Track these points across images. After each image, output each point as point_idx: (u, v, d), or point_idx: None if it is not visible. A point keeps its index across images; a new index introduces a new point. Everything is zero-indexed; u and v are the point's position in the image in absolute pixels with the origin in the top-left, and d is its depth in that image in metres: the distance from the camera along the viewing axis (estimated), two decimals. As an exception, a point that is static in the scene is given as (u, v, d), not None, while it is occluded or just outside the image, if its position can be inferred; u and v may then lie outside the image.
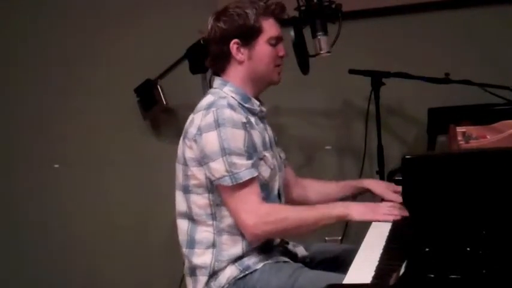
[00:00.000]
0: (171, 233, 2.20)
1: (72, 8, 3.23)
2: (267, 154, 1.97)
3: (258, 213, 1.84)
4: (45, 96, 3.30)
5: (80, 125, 3.28)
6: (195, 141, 1.88)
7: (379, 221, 1.86)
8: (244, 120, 1.88)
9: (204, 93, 2.51)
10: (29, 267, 3.37)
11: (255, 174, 1.86)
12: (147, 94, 3.05)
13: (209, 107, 1.89)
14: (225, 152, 1.82)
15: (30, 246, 3.38)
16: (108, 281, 3.30)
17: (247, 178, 1.83)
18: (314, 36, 2.30)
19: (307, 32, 2.30)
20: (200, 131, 1.87)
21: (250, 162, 1.85)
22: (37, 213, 3.35)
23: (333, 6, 2.33)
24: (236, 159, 1.83)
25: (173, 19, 3.07)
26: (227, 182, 1.82)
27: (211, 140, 1.84)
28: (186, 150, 1.92)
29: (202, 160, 1.87)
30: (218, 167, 1.83)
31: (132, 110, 3.11)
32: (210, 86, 2.49)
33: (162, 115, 3.15)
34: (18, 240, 3.40)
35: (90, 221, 3.29)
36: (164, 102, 3.01)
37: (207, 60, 2.06)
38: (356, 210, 1.87)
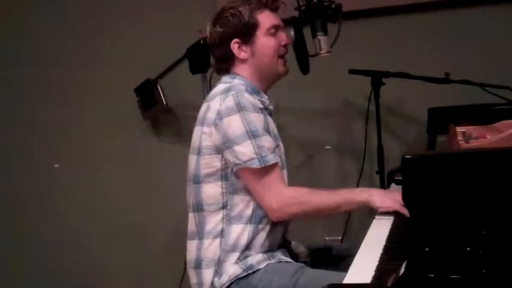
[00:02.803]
0: (171, 232, 2.21)
1: (72, 8, 3.23)
2: (279, 144, 2.00)
3: (282, 196, 1.87)
4: (45, 96, 3.30)
5: (80, 125, 3.28)
6: (216, 125, 1.88)
7: (399, 211, 1.84)
8: (261, 105, 1.91)
9: (204, 93, 2.52)
10: (29, 267, 3.37)
11: (278, 159, 1.89)
12: (147, 94, 3.05)
13: (227, 91, 1.90)
14: (252, 134, 1.84)
15: (30, 246, 3.38)
16: (109, 281, 3.30)
17: (273, 162, 1.86)
18: (314, 36, 2.30)
19: (307, 32, 2.30)
20: (220, 115, 1.87)
21: (274, 146, 1.89)
22: (37, 213, 3.35)
23: (333, 6, 2.33)
24: (263, 142, 1.85)
25: (173, 19, 3.07)
26: (256, 164, 1.84)
27: (234, 124, 1.85)
28: (204, 137, 1.92)
29: (224, 144, 1.87)
30: (245, 149, 1.84)
31: (132, 110, 3.11)
32: (210, 86, 2.50)
33: (162, 115, 3.15)
34: (18, 240, 3.40)
35: (90, 221, 3.29)
36: (164, 102, 3.01)
37: (213, 65, 2.09)
38: (378, 198, 1.89)
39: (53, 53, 3.27)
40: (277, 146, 1.96)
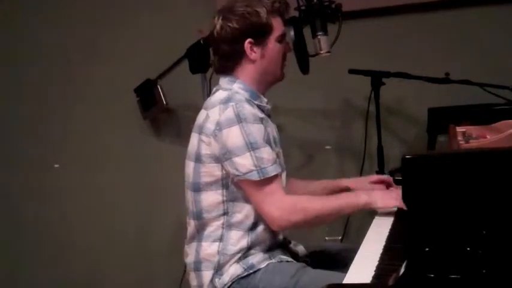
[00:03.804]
0: (171, 233, 2.21)
1: (72, 8, 3.23)
2: (279, 150, 1.99)
3: (283, 205, 1.85)
4: (45, 96, 3.30)
5: (80, 125, 3.29)
6: (215, 136, 1.87)
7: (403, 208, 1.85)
8: (261, 115, 1.90)
9: (204, 93, 2.52)
10: (29, 267, 3.37)
11: (279, 170, 1.88)
12: (147, 94, 3.05)
13: (226, 101, 1.88)
14: (251, 146, 1.83)
15: (30, 246, 3.38)
16: (109, 281, 3.30)
17: (273, 173, 1.84)
18: (314, 36, 2.30)
19: (307, 32, 2.29)
20: (220, 126, 1.86)
21: (274, 157, 1.87)
22: (37, 213, 3.36)
23: (333, 6, 2.33)
24: (263, 154, 1.84)
25: (173, 19, 3.07)
26: (255, 176, 1.83)
27: (234, 135, 1.83)
28: (203, 146, 1.90)
29: (224, 156, 1.86)
30: (245, 162, 1.83)
31: (132, 110, 3.11)
32: (210, 86, 2.49)
33: (162, 115, 3.15)
34: (18, 240, 3.40)
35: (90, 221, 3.29)
36: (164, 102, 3.01)
37: (213, 59, 2.05)
38: (380, 198, 1.89)
39: (52, 53, 3.27)
40: (277, 153, 1.95)
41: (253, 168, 1.83)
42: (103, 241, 3.29)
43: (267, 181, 1.84)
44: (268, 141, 1.89)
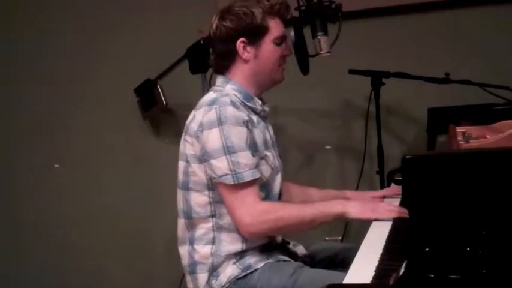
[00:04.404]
0: (171, 233, 2.20)
1: (72, 8, 3.23)
2: (268, 153, 1.97)
3: (254, 211, 1.84)
4: (45, 96, 3.30)
5: (80, 125, 3.29)
6: (197, 137, 1.87)
7: (377, 220, 1.85)
8: (246, 118, 1.88)
9: (203, 93, 2.52)
10: (29, 267, 3.37)
11: (257, 176, 1.86)
12: (147, 94, 3.06)
13: (212, 103, 1.88)
14: (228, 150, 1.82)
15: (30, 246, 3.38)
16: (108, 281, 3.30)
17: (249, 179, 1.83)
18: (314, 36, 2.30)
19: (307, 32, 2.30)
20: (202, 127, 1.86)
21: (253, 162, 1.86)
22: (37, 213, 3.36)
23: (333, 6, 2.33)
24: (240, 159, 1.83)
25: (173, 19, 3.07)
26: (229, 180, 1.82)
27: (213, 137, 1.83)
28: (187, 146, 1.92)
29: (203, 157, 1.87)
30: (220, 165, 1.83)
31: (132, 110, 3.12)
32: (210, 86, 2.49)
33: (162, 115, 3.15)
34: (18, 240, 3.40)
35: (90, 221, 3.29)
36: (164, 102, 3.02)
37: (210, 58, 2.06)
38: (354, 209, 1.86)
39: (53, 53, 3.27)
40: (264, 156, 1.94)
41: (228, 172, 1.82)
42: (103, 241, 3.29)
43: (242, 186, 1.83)
44: (251, 145, 1.88)
